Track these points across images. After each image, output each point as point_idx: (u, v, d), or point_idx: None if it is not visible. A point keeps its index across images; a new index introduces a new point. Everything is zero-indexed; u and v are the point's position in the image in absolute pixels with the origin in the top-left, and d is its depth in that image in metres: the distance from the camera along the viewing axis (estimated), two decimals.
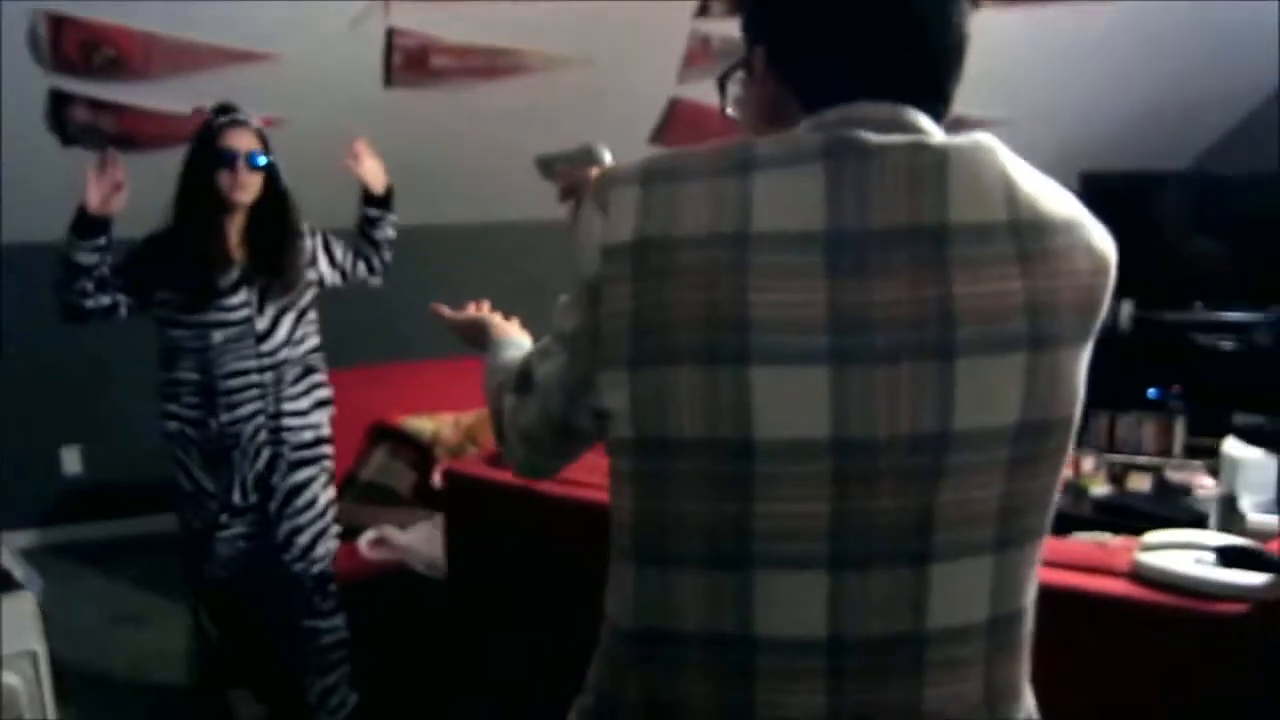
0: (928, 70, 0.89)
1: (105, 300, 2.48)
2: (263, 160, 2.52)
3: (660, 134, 4.48)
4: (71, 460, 4.40)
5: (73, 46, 3.37)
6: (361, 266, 2.85)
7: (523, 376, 1.02)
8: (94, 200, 2.39)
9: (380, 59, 3.76)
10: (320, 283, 2.76)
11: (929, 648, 0.85)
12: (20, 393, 4.12)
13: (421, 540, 3.01)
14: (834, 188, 0.82)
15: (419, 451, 3.46)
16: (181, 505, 2.72)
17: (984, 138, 0.86)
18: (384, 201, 2.85)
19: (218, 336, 2.56)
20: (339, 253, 2.81)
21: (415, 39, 3.71)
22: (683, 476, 0.84)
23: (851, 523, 0.82)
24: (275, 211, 2.60)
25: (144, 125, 3.71)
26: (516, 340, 1.34)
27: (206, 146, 2.49)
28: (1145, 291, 4.71)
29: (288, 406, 2.67)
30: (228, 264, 2.56)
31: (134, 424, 3.67)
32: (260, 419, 2.63)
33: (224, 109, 2.57)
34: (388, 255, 2.89)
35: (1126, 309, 4.73)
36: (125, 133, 3.71)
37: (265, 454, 2.66)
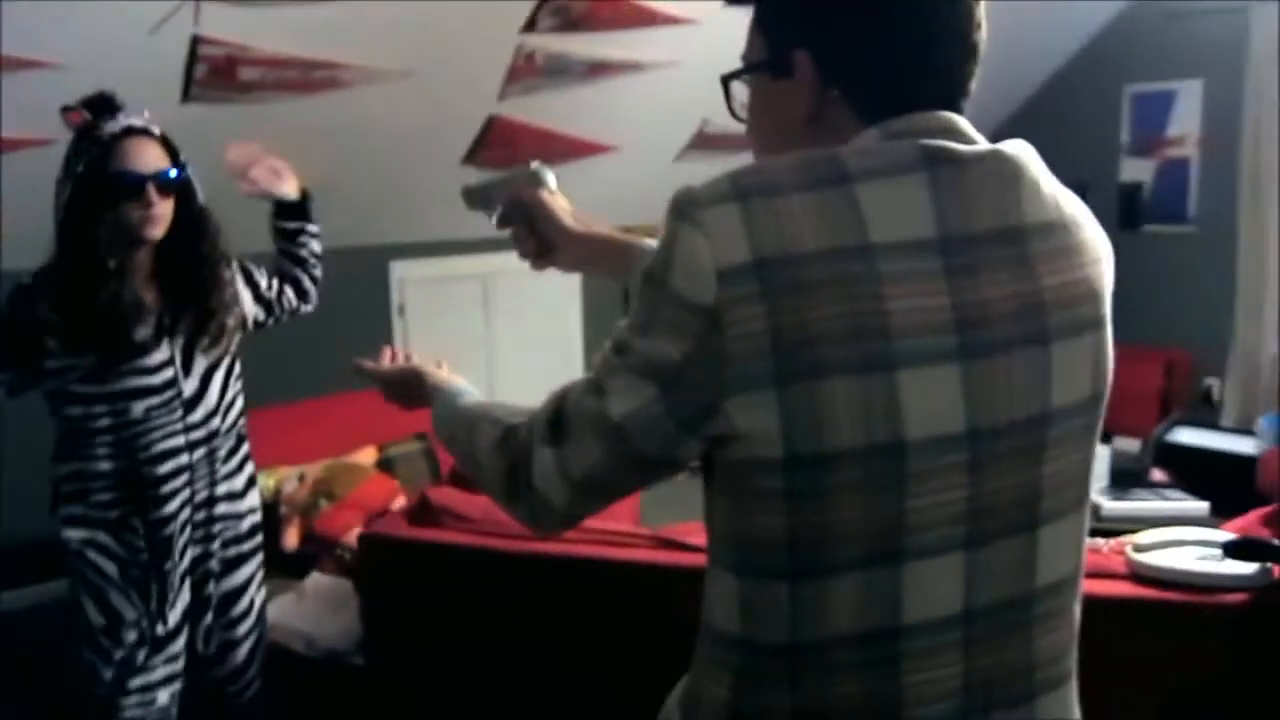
0: (966, 73, 0.96)
1: None
2: (174, 175, 1.98)
3: (474, 153, 4.27)
4: None
5: None
6: (290, 292, 2.32)
7: (554, 423, 0.97)
8: None
9: (180, 70, 3.32)
10: (244, 323, 2.20)
11: (1037, 603, 0.94)
12: None
13: (290, 614, 2.65)
14: (937, 196, 0.88)
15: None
16: (87, 646, 2.06)
17: (1027, 146, 0.95)
18: (302, 209, 2.35)
19: (138, 409, 1.99)
20: (262, 282, 2.28)
21: (223, 48, 3.30)
22: (840, 487, 0.86)
23: (983, 504, 0.90)
24: (193, 235, 2.05)
25: None
26: (462, 387, 1.26)
27: (98, 168, 1.91)
28: None
29: (222, 490, 2.13)
30: (142, 311, 1.99)
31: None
32: (187, 512, 2.07)
33: (103, 103, 1.96)
34: (318, 272, 2.39)
35: None
36: None
37: (191, 555, 2.09)
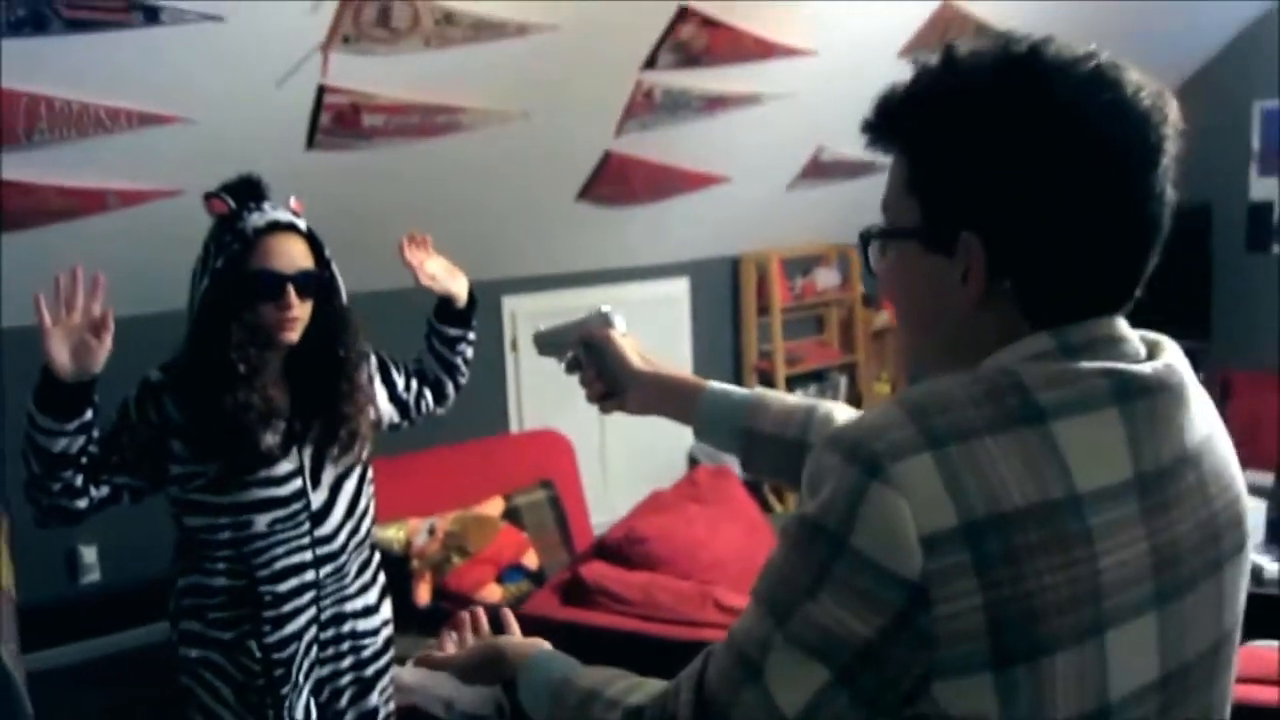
0: (1148, 265, 0.87)
1: (101, 493, 1.79)
2: (316, 276, 1.86)
3: (588, 188, 4.22)
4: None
5: None
6: (430, 396, 2.17)
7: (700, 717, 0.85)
8: (61, 359, 1.65)
9: (306, 119, 3.32)
10: (377, 424, 2.06)
11: None
12: None
13: (427, 677, 2.61)
14: (1131, 431, 0.81)
15: (390, 568, 3.05)
16: None
17: (1176, 347, 0.90)
18: (467, 316, 2.19)
19: (261, 522, 1.87)
20: (400, 381, 2.13)
21: (347, 96, 3.30)
22: None
23: None
24: (331, 337, 1.91)
25: (19, 200, 3.13)
26: (547, 655, 1.15)
27: (237, 265, 1.80)
28: None
29: (353, 606, 1.99)
30: (272, 418, 1.87)
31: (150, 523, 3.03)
32: (312, 631, 1.93)
33: (249, 190, 1.88)
34: (464, 380, 2.23)
35: None
36: None
37: (315, 677, 1.95)
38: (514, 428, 4.49)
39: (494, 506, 3.36)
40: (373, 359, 2.08)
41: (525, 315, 4.65)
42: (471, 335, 2.24)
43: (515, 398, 4.53)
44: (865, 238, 0.94)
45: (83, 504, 1.78)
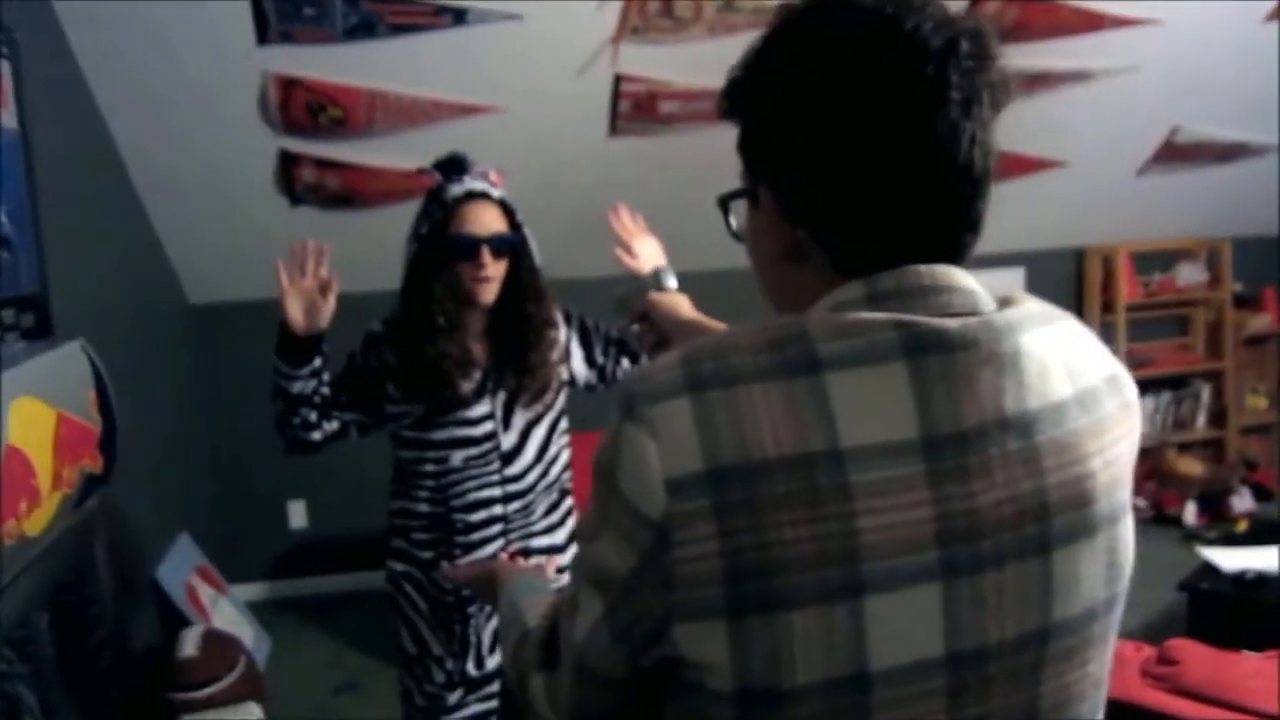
0: (972, 210, 0.80)
1: (332, 426, 2.04)
2: (508, 238, 2.01)
3: None
4: (298, 514, 4.41)
5: (299, 108, 3.32)
6: (627, 365, 2.24)
7: (547, 646, 0.90)
8: (296, 316, 1.90)
9: (606, 108, 3.55)
10: (571, 382, 2.20)
11: None
12: (249, 448, 4.13)
13: None
14: (921, 388, 0.75)
15: None
16: (405, 669, 2.20)
17: (1033, 306, 0.83)
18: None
19: (457, 458, 2.06)
20: (598, 349, 2.22)
21: (643, 84, 3.48)
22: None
23: None
24: (523, 297, 2.07)
25: (368, 182, 3.64)
26: (530, 581, 1.21)
27: (439, 230, 1.99)
28: None
29: (540, 543, 2.14)
30: (469, 367, 2.05)
31: (357, 479, 3.55)
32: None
33: (453, 164, 2.03)
34: None
35: None
36: (349, 191, 3.66)
37: None
38: None
39: None
40: (575, 322, 2.21)
41: None
42: None
43: None
44: (723, 202, 0.94)
45: (317, 436, 2.03)
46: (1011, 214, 4.42)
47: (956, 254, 0.81)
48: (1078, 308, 4.84)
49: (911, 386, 0.74)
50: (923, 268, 0.79)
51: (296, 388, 1.97)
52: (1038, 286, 4.74)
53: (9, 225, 2.47)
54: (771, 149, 0.83)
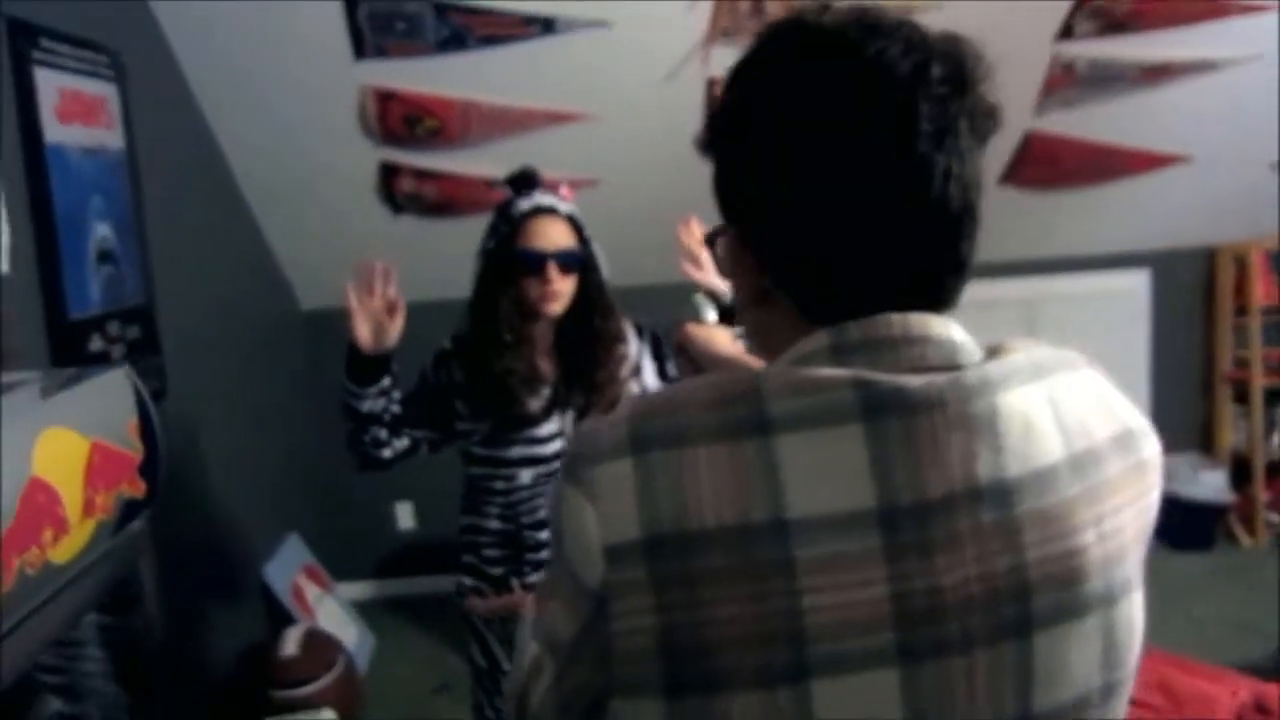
0: (947, 248, 0.74)
1: (403, 444, 2.05)
2: (575, 253, 1.99)
3: (1013, 171, 3.94)
4: (405, 515, 4.51)
5: (396, 120, 3.39)
6: None
7: (520, 701, 0.84)
8: (364, 336, 1.91)
9: (698, 112, 3.52)
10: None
11: None
12: None
13: None
14: (879, 452, 0.68)
15: None
16: (475, 682, 2.20)
17: (1021, 358, 0.74)
18: (730, 315, 2.26)
19: (526, 476, 2.05)
20: (670, 364, 2.16)
21: None
22: None
23: None
24: (591, 312, 2.04)
25: (464, 191, 3.70)
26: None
27: (506, 245, 1.98)
28: None
29: None
30: (536, 383, 2.05)
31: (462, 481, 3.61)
32: None
33: (523, 179, 2.03)
34: None
35: None
36: (447, 199, 3.72)
37: None
38: None
39: None
40: (648, 335, 2.18)
41: None
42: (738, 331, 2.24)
43: None
44: (709, 240, 0.93)
45: (387, 454, 2.03)
46: (1133, 213, 4.21)
47: (938, 300, 0.75)
48: (1208, 311, 4.57)
49: (868, 451, 0.68)
50: (895, 316, 0.73)
51: (366, 406, 1.99)
52: (1164, 288, 4.50)
53: (115, 239, 2.60)
54: (732, 190, 0.79)
